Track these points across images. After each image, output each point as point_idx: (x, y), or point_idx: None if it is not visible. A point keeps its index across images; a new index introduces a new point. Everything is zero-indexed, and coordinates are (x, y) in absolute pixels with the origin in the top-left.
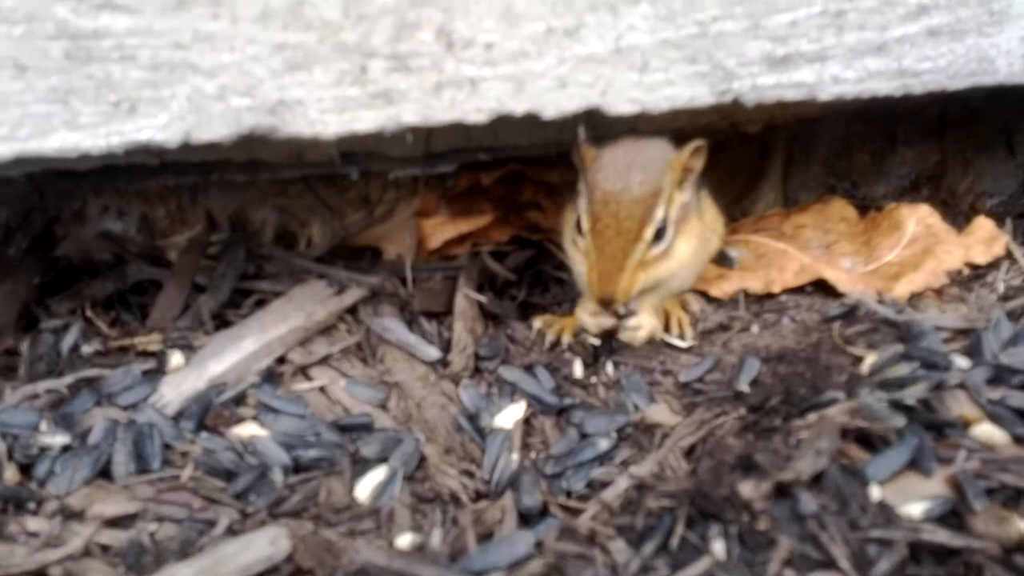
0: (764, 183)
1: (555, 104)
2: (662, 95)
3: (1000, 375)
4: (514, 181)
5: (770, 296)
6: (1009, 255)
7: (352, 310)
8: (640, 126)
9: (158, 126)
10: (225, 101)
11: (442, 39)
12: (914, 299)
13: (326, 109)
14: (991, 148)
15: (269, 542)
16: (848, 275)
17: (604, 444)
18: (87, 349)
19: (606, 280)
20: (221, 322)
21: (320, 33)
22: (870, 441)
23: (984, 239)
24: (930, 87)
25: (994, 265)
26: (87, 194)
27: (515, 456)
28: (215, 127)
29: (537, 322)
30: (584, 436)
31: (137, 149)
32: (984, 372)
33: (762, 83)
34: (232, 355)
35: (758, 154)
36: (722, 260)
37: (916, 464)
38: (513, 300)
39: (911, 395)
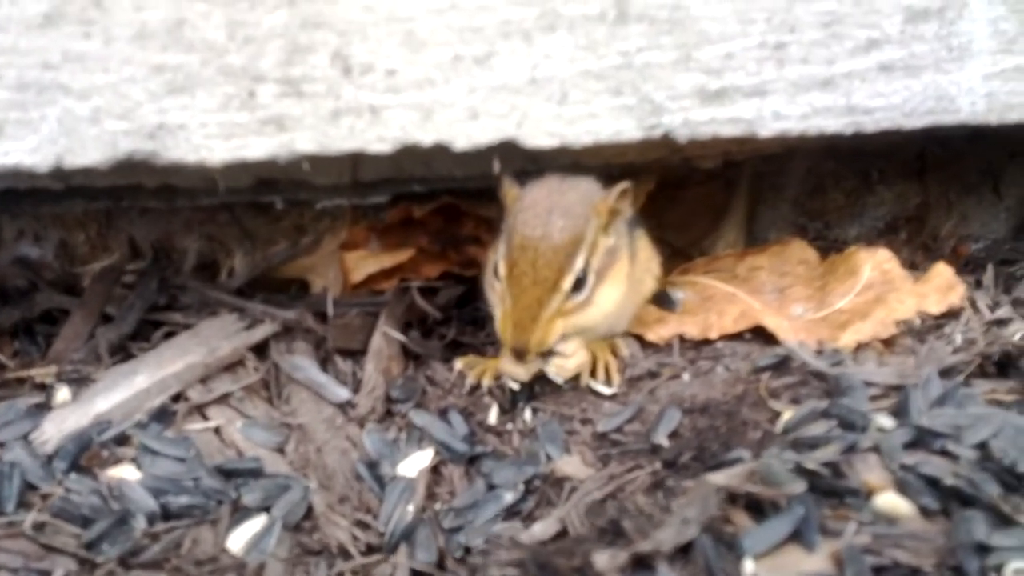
0: (726, 223)
1: (466, 135)
2: (584, 128)
3: (921, 438)
4: (453, 214)
5: (708, 342)
6: (973, 304)
7: (262, 346)
8: (584, 159)
9: (27, 149)
10: (99, 124)
11: (338, 64)
12: (860, 349)
13: (211, 135)
14: (977, 190)
15: None
16: (791, 322)
17: (509, 497)
18: None
19: (520, 330)
20: (125, 355)
21: (203, 55)
22: (761, 508)
23: (940, 287)
24: (884, 125)
25: (955, 315)
26: (1, 217)
27: (411, 508)
28: (89, 151)
29: (458, 363)
30: (491, 487)
31: (6, 173)
32: (905, 434)
33: (695, 118)
34: (122, 391)
35: (722, 192)
36: (664, 302)
37: (798, 536)
38: (442, 339)
39: (818, 458)
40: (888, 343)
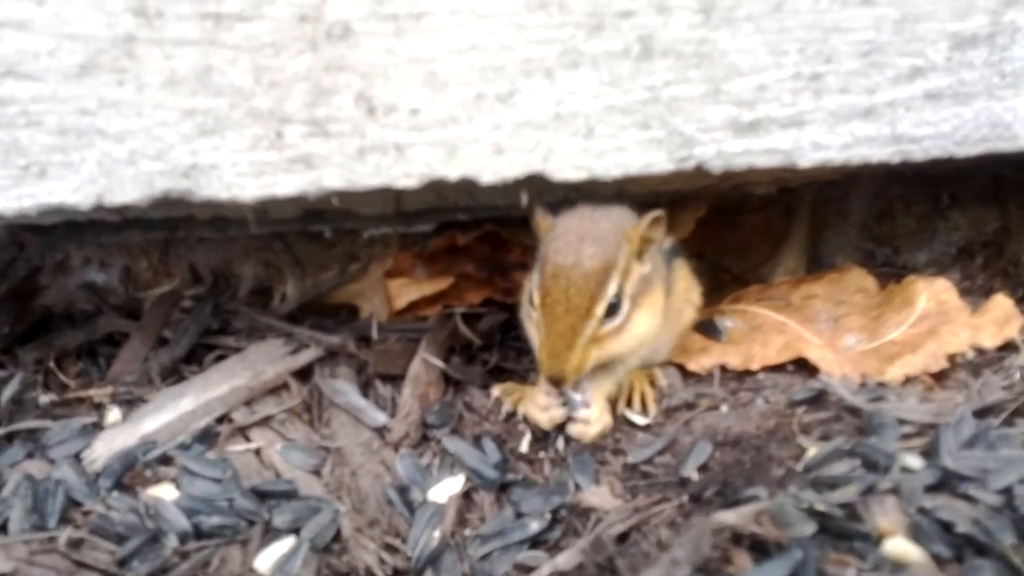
0: (785, 249)
1: (492, 170)
2: (612, 161)
3: (947, 480)
4: (499, 241)
5: (750, 373)
6: None
7: (306, 370)
8: (629, 188)
9: (69, 189)
10: (136, 165)
11: (362, 104)
12: (908, 383)
13: (242, 173)
14: None
15: None
16: (838, 355)
17: (535, 526)
18: (44, 399)
19: (555, 358)
20: (178, 378)
21: (231, 99)
22: (766, 549)
23: (997, 320)
24: (934, 153)
25: (1015, 348)
26: (69, 246)
27: (437, 533)
28: (128, 190)
29: (496, 390)
30: (519, 515)
31: (51, 210)
32: (930, 476)
33: (729, 149)
34: (169, 413)
35: (782, 218)
36: (710, 331)
37: None
38: (484, 365)
39: (834, 498)
40: (939, 377)
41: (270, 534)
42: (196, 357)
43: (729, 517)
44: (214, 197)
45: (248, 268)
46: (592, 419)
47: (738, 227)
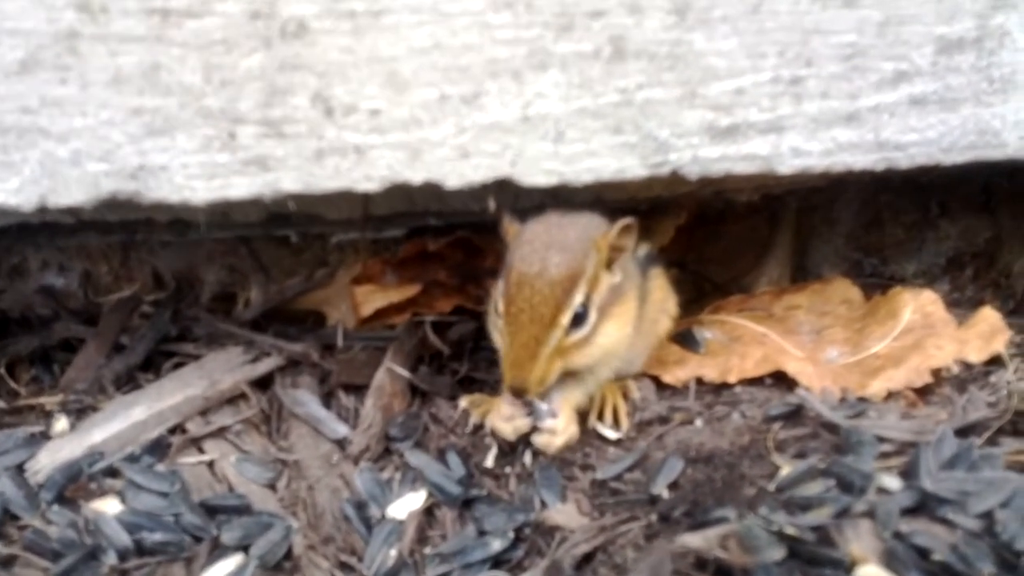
0: (769, 258)
1: (458, 174)
2: (583, 166)
3: (925, 503)
4: (473, 248)
5: (728, 386)
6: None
7: (266, 379)
8: (607, 195)
9: (10, 190)
10: (80, 166)
11: (319, 105)
12: (890, 399)
13: (193, 175)
14: None
15: None
16: (818, 368)
17: (497, 544)
18: None
19: (518, 368)
20: (134, 386)
21: (180, 98)
22: (732, 574)
23: (984, 334)
24: (920, 161)
25: (1002, 363)
26: (26, 249)
27: (394, 552)
28: (72, 192)
29: (463, 401)
30: (481, 533)
31: None
32: (907, 498)
33: (705, 155)
34: (119, 422)
35: (766, 226)
36: (689, 342)
37: None
38: (454, 375)
39: (806, 521)
40: (923, 392)
41: (217, 551)
42: (154, 365)
43: (694, 540)
44: (164, 200)
45: (212, 273)
46: (558, 429)
47: (720, 235)
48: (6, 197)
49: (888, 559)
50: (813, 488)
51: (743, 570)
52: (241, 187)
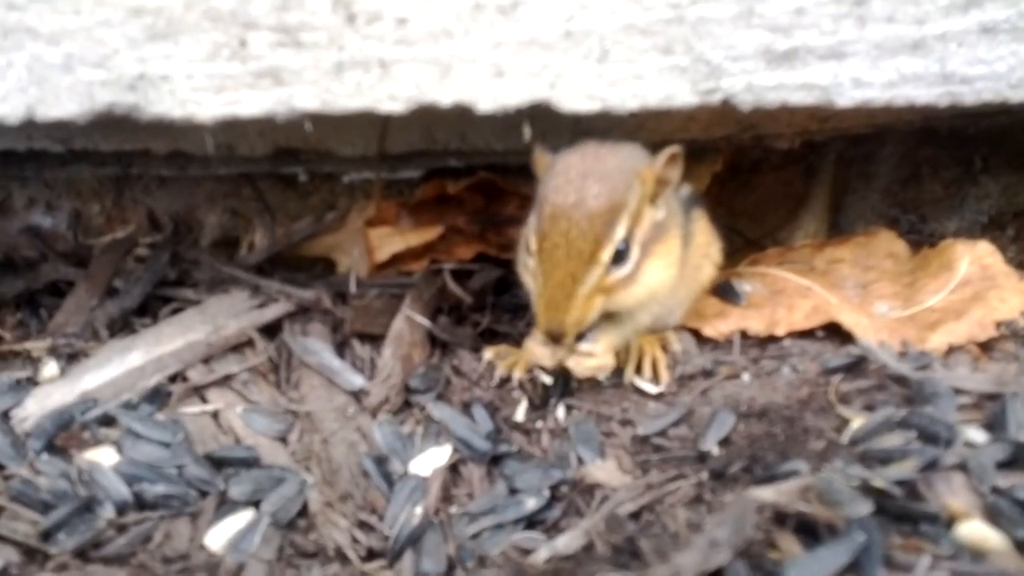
0: (805, 212)
1: (491, 96)
2: (629, 91)
3: (1019, 457)
4: (494, 192)
5: (774, 340)
6: None
7: (275, 327)
8: (640, 135)
9: None
10: (73, 73)
11: (340, 10)
12: (952, 353)
13: (199, 87)
14: None
15: None
16: (872, 321)
17: (531, 503)
18: None
19: (553, 310)
20: (129, 331)
21: None
22: (815, 532)
23: None
24: (986, 97)
25: None
26: (10, 184)
27: (419, 510)
28: (64, 103)
29: (488, 353)
30: (513, 492)
31: None
32: (999, 451)
33: (760, 82)
34: (114, 368)
35: (802, 178)
36: (727, 294)
37: (857, 569)
38: (475, 327)
39: (890, 475)
40: (985, 347)
41: (225, 506)
42: (150, 310)
43: (768, 494)
44: (166, 115)
45: (213, 215)
46: (596, 351)
47: (754, 188)
48: None
49: (991, 515)
50: (892, 440)
51: (829, 526)
52: (252, 103)
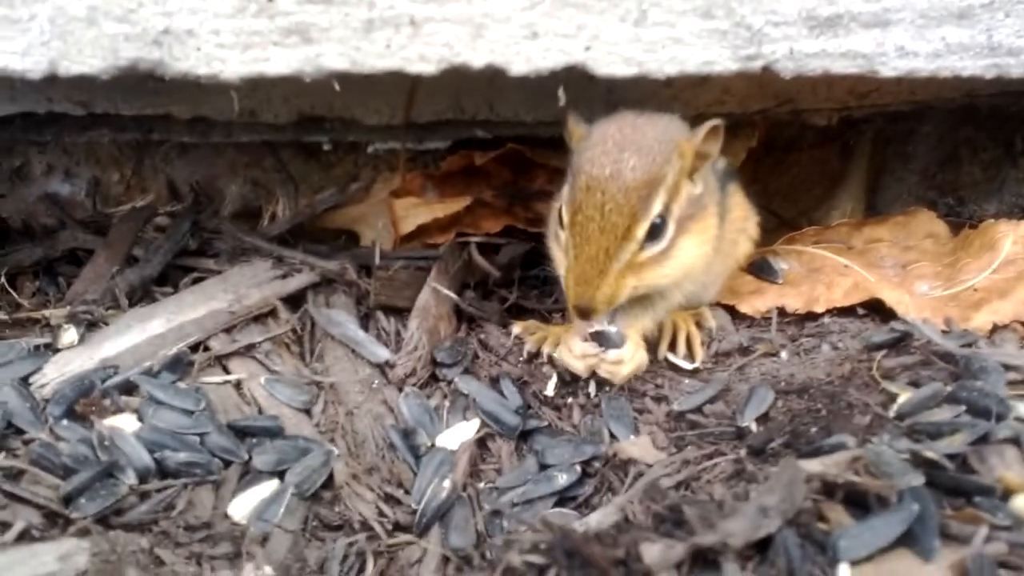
0: (841, 192)
1: (525, 57)
2: (667, 55)
3: None
4: (523, 165)
5: (813, 317)
6: None
7: (298, 297)
8: (674, 108)
9: (16, 51)
10: (97, 26)
11: None
12: (996, 333)
13: (225, 44)
14: None
15: (58, 558)
16: (915, 299)
17: (563, 479)
18: None
19: (584, 285)
20: (149, 300)
21: None
22: (865, 503)
23: None
24: None
25: None
26: (30, 150)
27: (447, 484)
28: (87, 57)
29: (517, 327)
30: (543, 467)
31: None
32: None
33: (801, 49)
34: (134, 336)
35: (839, 157)
36: (765, 271)
37: (911, 540)
38: (503, 302)
39: (941, 448)
40: None
41: (249, 476)
42: (171, 280)
43: (815, 465)
44: (191, 72)
45: (234, 186)
46: (624, 358)
47: (788, 166)
48: (9, 60)
49: None
50: (941, 414)
51: (879, 498)
52: (280, 61)
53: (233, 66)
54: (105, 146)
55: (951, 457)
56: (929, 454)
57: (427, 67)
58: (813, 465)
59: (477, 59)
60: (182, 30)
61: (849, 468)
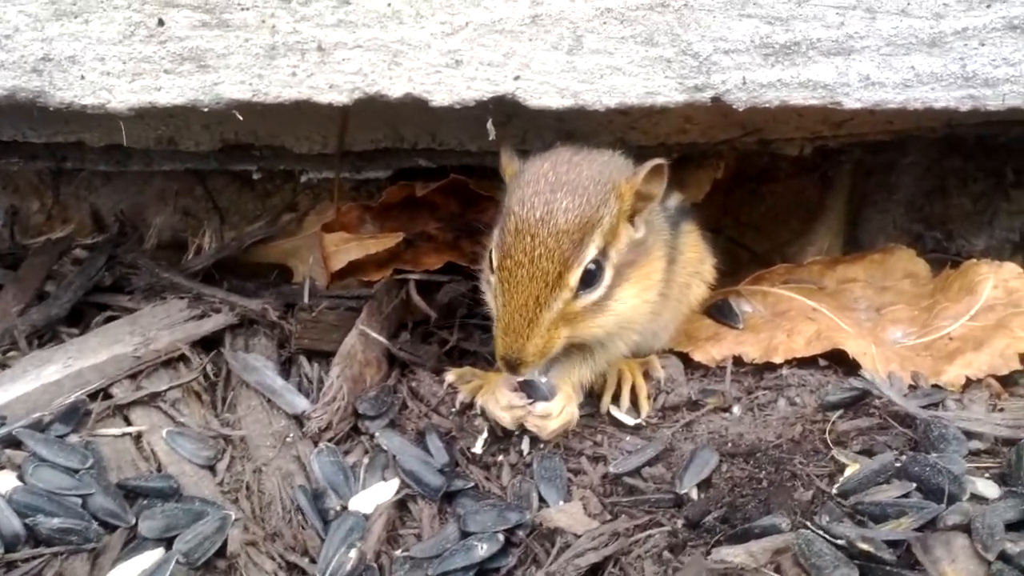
0: (818, 226)
1: (447, 88)
2: (605, 86)
3: None
4: (471, 197)
5: (772, 367)
6: None
7: (214, 340)
8: (631, 138)
9: None
10: None
11: None
12: (969, 388)
13: (111, 71)
14: None
15: None
16: (883, 349)
17: (482, 550)
18: None
19: (513, 336)
20: (58, 342)
21: None
22: None
23: None
24: (1013, 102)
25: None
26: None
27: (353, 554)
28: None
29: (451, 375)
30: (464, 535)
31: None
32: (1011, 508)
33: (756, 79)
34: (28, 383)
35: (816, 188)
36: (725, 315)
37: None
38: (442, 345)
39: (881, 535)
40: (1007, 382)
41: (132, 543)
42: (83, 319)
43: (737, 555)
44: (75, 101)
45: (162, 215)
46: (552, 412)
47: (762, 197)
48: None
49: None
50: (889, 492)
51: None
52: (172, 90)
53: (121, 95)
54: (23, 173)
55: (893, 544)
56: (864, 546)
57: (338, 97)
58: (735, 554)
59: (395, 89)
60: (64, 57)
61: (774, 558)
